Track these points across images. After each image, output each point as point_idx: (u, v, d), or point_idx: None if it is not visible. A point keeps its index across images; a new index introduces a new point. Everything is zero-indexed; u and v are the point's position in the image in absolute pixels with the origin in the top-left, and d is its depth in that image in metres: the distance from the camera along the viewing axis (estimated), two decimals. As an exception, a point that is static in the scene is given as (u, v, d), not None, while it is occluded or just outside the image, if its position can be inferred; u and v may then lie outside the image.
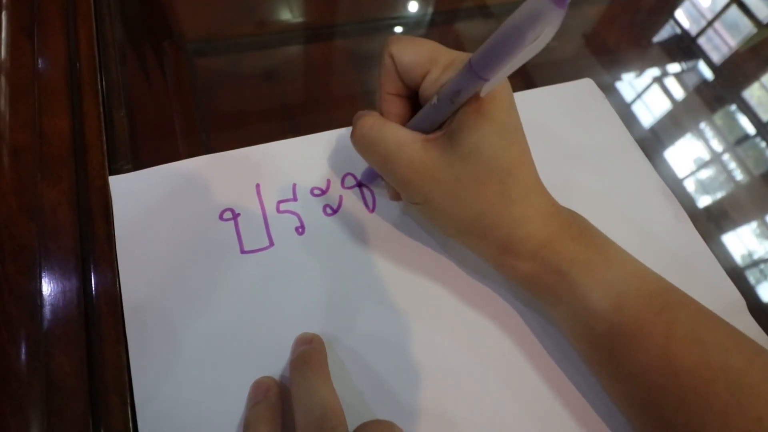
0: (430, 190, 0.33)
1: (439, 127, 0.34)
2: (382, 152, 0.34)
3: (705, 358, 0.30)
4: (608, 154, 0.48)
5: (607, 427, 0.36)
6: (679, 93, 0.60)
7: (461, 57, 0.33)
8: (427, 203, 0.34)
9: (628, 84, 0.58)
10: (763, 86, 0.62)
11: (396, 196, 0.39)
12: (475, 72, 0.28)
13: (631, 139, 0.49)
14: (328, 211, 0.41)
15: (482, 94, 0.30)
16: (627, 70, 0.60)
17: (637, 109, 0.56)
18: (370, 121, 0.35)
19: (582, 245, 0.34)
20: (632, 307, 0.32)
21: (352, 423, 0.30)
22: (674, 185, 0.48)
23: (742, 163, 0.55)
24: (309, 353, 0.34)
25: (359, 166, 0.43)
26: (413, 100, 0.37)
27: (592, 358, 0.35)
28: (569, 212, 0.36)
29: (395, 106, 0.36)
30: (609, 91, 0.54)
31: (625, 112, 0.53)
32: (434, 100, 0.32)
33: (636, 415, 0.33)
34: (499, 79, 0.28)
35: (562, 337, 0.38)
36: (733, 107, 0.59)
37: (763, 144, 0.57)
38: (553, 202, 0.35)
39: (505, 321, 0.39)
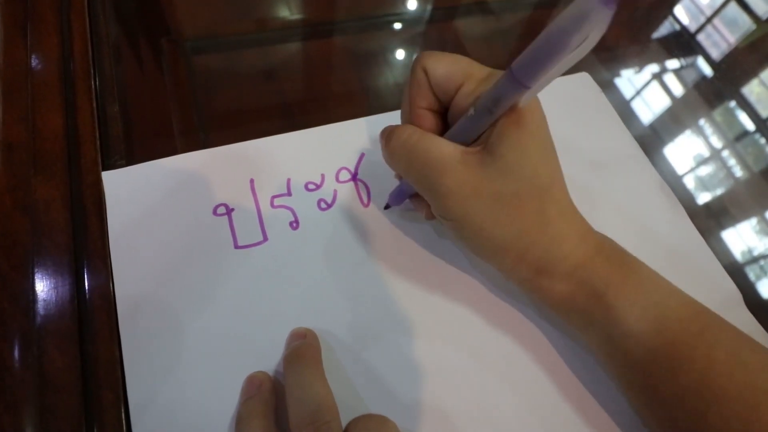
0: (470, 206, 0.32)
1: (474, 141, 0.33)
2: (423, 162, 0.33)
3: (748, 381, 0.30)
4: (605, 148, 0.48)
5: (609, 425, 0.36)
6: (678, 89, 0.59)
7: (495, 72, 0.33)
8: (465, 220, 0.33)
9: (627, 80, 0.58)
10: (762, 82, 0.62)
11: (431, 215, 0.37)
12: (517, 79, 0.27)
13: (628, 133, 0.49)
14: (323, 205, 0.41)
15: (521, 104, 0.30)
16: (626, 66, 0.59)
17: (637, 105, 0.56)
18: (409, 130, 0.34)
19: (616, 266, 0.33)
20: (671, 329, 0.31)
21: (346, 417, 0.30)
22: (674, 182, 0.47)
23: (741, 160, 0.55)
24: (303, 348, 0.34)
25: (354, 160, 0.43)
26: (443, 116, 0.36)
27: (629, 383, 0.34)
28: (599, 233, 0.35)
29: (427, 120, 0.35)
30: (608, 87, 0.54)
31: (624, 109, 0.53)
32: (471, 111, 0.31)
33: None
34: (540, 87, 0.27)
35: (561, 335, 0.38)
36: (733, 104, 0.59)
37: (762, 140, 0.57)
38: (585, 222, 0.35)
39: (503, 314, 0.39)
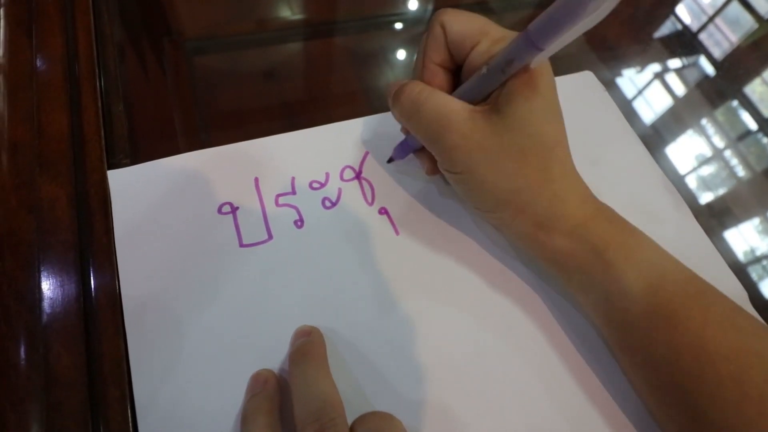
0: (474, 159, 0.33)
1: (483, 100, 0.34)
2: (431, 118, 0.34)
3: (742, 343, 0.30)
4: (608, 146, 0.48)
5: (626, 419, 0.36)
6: (680, 89, 0.59)
7: (511, 33, 0.34)
8: (469, 172, 0.34)
9: (629, 80, 0.58)
10: (764, 81, 0.62)
11: (432, 170, 0.39)
12: (532, 41, 0.28)
13: (632, 130, 0.49)
14: (327, 204, 0.41)
15: (532, 66, 0.31)
16: (628, 65, 0.59)
17: (639, 105, 0.56)
18: (419, 86, 0.35)
19: (617, 228, 0.34)
20: (668, 289, 0.32)
21: (351, 415, 0.30)
22: (676, 181, 0.47)
23: (744, 159, 0.55)
24: (308, 346, 0.34)
25: (358, 158, 0.43)
26: (454, 74, 0.37)
27: (623, 343, 0.34)
28: (600, 200, 0.36)
29: (438, 77, 0.36)
30: (610, 86, 0.54)
31: (626, 108, 0.53)
32: (484, 69, 0.32)
33: (666, 405, 0.33)
34: (553, 50, 0.29)
35: (559, 328, 0.38)
36: (735, 103, 0.59)
37: (765, 140, 0.57)
38: (587, 187, 0.36)
39: (512, 313, 0.39)
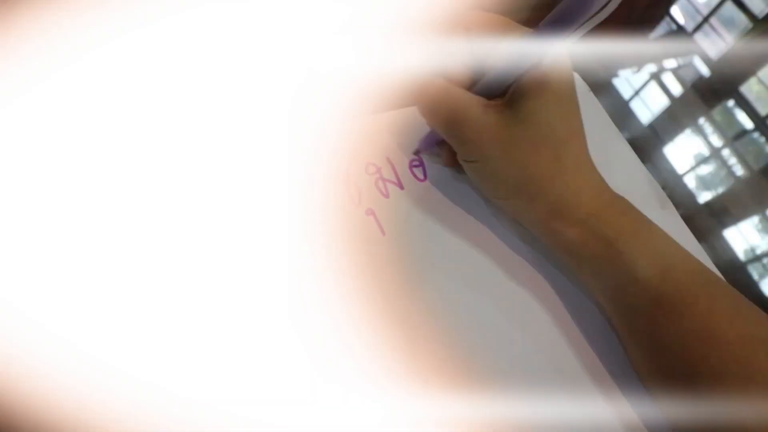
0: (488, 149, 0.35)
1: (500, 96, 0.36)
2: (447, 113, 0.36)
3: (747, 330, 0.32)
4: (592, 145, 0.47)
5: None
6: (676, 89, 0.60)
7: (531, 32, 0.36)
8: (483, 161, 0.36)
9: (625, 80, 0.58)
10: (760, 81, 0.62)
11: (450, 162, 0.41)
12: (542, 35, 0.30)
13: (616, 130, 0.49)
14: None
15: (546, 62, 0.33)
16: (624, 67, 0.59)
17: (635, 105, 0.56)
18: (437, 84, 0.37)
19: (629, 219, 0.35)
20: (677, 278, 0.33)
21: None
22: (674, 181, 0.48)
23: (741, 158, 0.55)
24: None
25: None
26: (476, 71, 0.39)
27: (632, 330, 0.35)
28: (618, 194, 0.37)
29: (458, 73, 0.38)
30: (606, 88, 0.54)
31: (622, 109, 0.54)
32: (498, 66, 0.34)
33: (671, 390, 0.34)
34: (564, 45, 0.30)
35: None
36: (731, 102, 0.59)
37: (762, 138, 0.57)
38: (602, 179, 0.37)
39: (492, 315, 0.38)
